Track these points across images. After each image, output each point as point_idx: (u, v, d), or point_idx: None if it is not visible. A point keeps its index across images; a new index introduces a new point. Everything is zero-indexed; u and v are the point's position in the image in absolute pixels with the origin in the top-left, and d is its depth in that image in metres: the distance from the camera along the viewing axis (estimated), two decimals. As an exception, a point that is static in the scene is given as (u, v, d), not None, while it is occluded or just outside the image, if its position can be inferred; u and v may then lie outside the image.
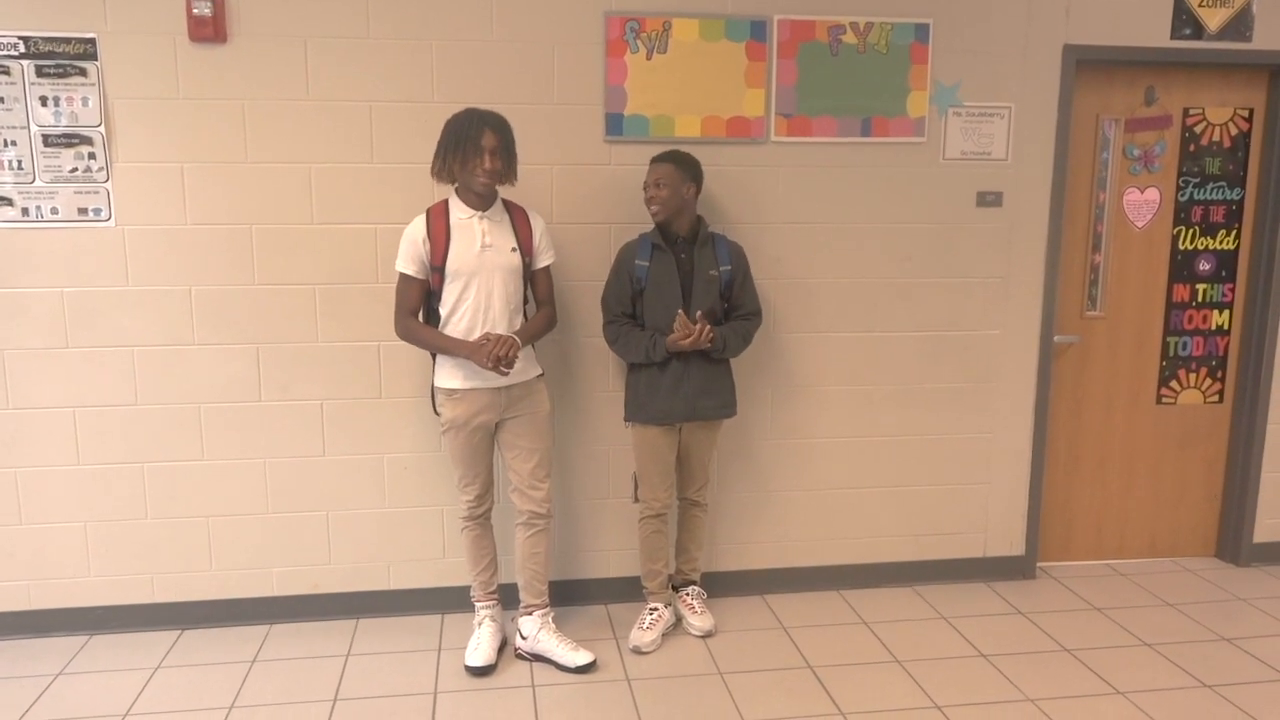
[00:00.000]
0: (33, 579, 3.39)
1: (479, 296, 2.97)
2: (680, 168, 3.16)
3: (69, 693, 3.03)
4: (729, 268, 3.25)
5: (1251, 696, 3.00)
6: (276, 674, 3.14)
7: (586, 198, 3.43)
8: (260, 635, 3.42)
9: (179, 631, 3.44)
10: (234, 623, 3.48)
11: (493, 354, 2.88)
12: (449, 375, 3.06)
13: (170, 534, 3.42)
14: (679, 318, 3.12)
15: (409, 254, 3.00)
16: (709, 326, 3.13)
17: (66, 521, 3.37)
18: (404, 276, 3.03)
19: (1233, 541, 4.09)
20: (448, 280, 2.97)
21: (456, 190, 3.02)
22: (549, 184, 3.39)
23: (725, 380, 3.32)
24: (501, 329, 3.00)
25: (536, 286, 3.15)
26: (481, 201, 3.00)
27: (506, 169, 2.96)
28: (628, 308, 3.25)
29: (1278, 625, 3.52)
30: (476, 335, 2.98)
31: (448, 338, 3.00)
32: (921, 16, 3.48)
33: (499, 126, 2.93)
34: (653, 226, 3.23)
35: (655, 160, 3.18)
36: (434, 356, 3.13)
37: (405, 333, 3.07)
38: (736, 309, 3.28)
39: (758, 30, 3.41)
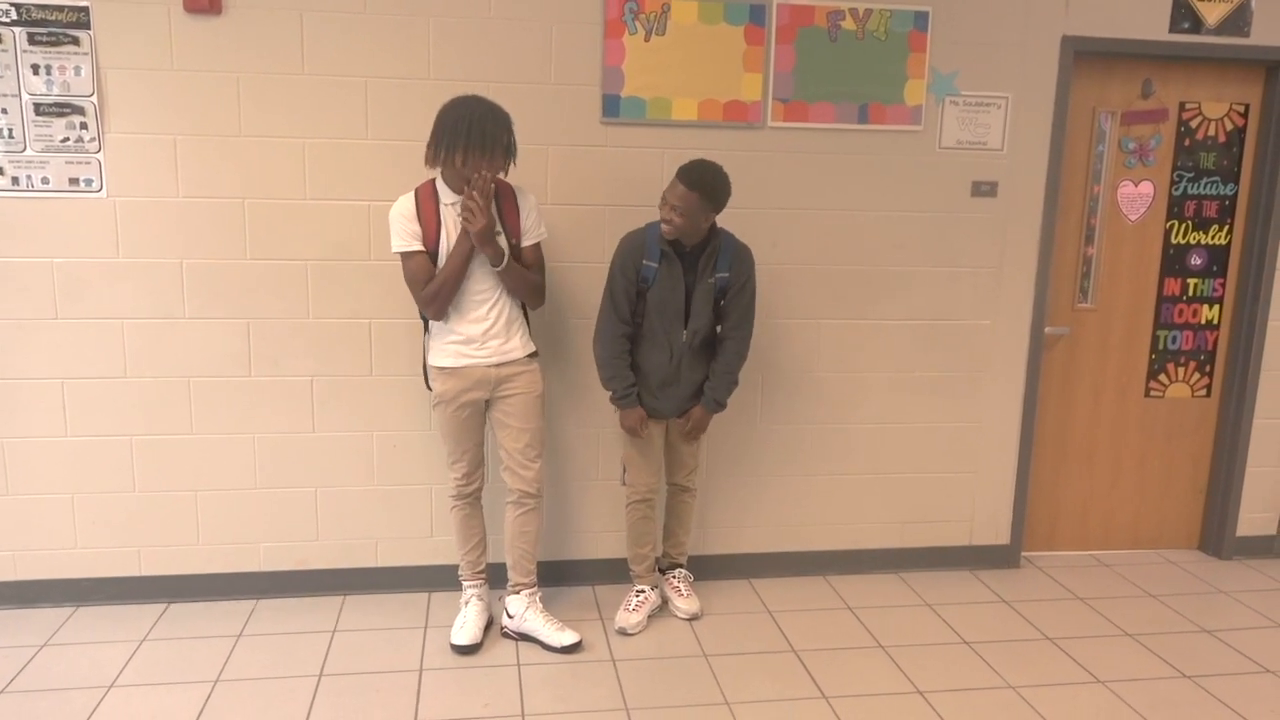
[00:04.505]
0: (19, 550, 3.39)
1: (467, 280, 2.96)
2: (705, 199, 2.96)
3: (54, 664, 3.04)
4: (726, 275, 3.13)
5: (1230, 688, 3.03)
6: (262, 649, 3.15)
7: (582, 179, 3.41)
8: (247, 610, 3.42)
9: (165, 604, 3.44)
10: (220, 597, 3.49)
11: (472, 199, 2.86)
12: (441, 353, 3.05)
13: (158, 507, 3.42)
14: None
15: (404, 230, 2.95)
16: (690, 423, 3.27)
17: (54, 493, 3.36)
18: (407, 255, 2.95)
19: (1216, 535, 4.13)
20: (438, 264, 2.95)
21: (443, 172, 2.96)
22: (544, 165, 3.38)
23: None
24: (492, 316, 3.00)
25: (523, 260, 3.04)
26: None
27: (507, 167, 2.93)
28: (632, 305, 3.12)
29: (1258, 618, 3.56)
30: (466, 319, 2.98)
31: (452, 259, 2.92)
32: (921, 4, 3.46)
33: (498, 135, 2.85)
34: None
35: (684, 178, 2.95)
36: (426, 333, 3.12)
37: (429, 299, 2.95)
38: (725, 318, 3.18)
39: (757, 14, 3.39)
